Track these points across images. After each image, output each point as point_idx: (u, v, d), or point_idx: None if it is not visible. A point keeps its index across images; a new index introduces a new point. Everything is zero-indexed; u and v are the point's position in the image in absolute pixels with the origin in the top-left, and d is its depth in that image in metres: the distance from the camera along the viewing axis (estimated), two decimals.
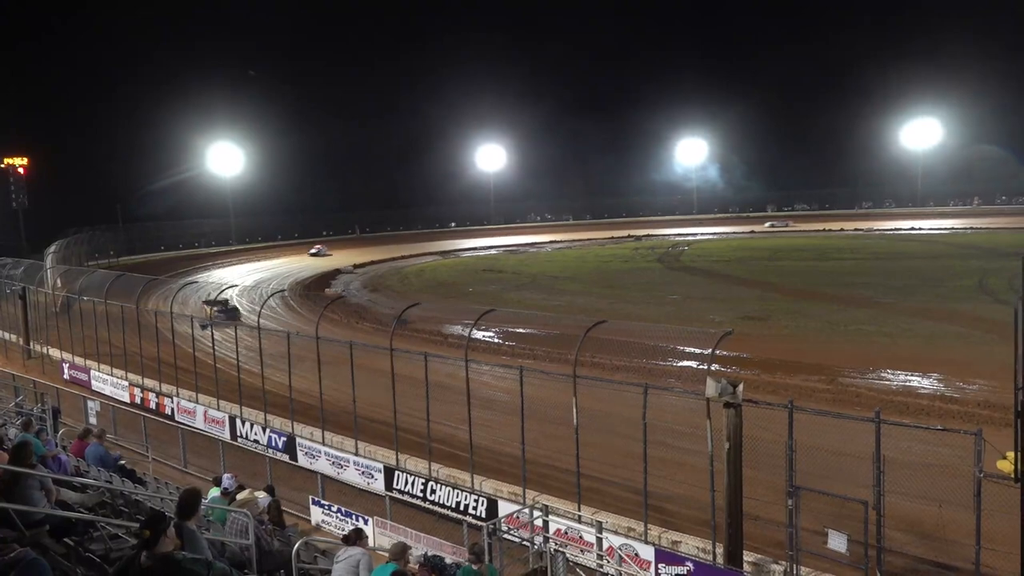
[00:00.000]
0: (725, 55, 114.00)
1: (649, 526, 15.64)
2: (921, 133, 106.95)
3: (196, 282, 49.67)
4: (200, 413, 26.19)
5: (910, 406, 23.94)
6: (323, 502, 18.12)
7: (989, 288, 44.87)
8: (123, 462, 16.02)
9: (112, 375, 30.86)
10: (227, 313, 41.33)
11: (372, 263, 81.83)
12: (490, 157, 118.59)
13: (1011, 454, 10.30)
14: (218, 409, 25.96)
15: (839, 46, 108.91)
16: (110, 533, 9.22)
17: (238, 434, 24.45)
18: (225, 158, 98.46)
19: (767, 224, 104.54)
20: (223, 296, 44.72)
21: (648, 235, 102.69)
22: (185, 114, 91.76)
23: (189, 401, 27.08)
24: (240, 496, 12.39)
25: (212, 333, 29.54)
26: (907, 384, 27.06)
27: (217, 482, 14.07)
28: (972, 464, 11.56)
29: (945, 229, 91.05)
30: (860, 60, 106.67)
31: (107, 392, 29.96)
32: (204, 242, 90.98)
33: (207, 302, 41.90)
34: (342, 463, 21.03)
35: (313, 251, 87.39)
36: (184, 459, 22.47)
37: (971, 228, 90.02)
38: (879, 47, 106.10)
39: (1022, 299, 9.89)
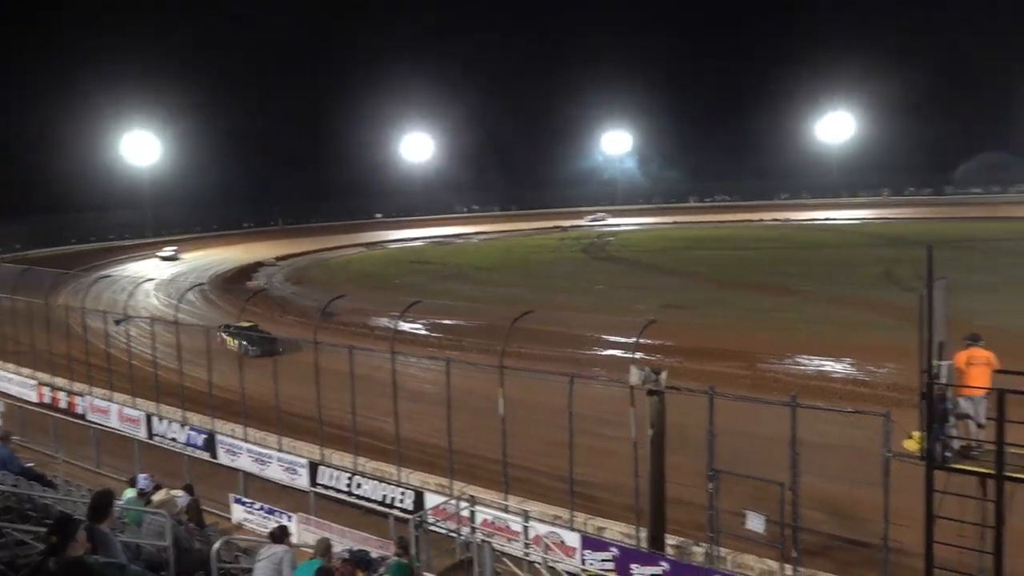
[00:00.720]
0: (649, 49, 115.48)
1: (575, 513, 15.82)
2: (835, 127, 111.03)
3: (110, 276, 47.86)
4: (114, 412, 25.27)
5: (824, 390, 24.81)
6: (245, 500, 17.73)
7: (897, 276, 46.81)
8: (31, 465, 15.32)
9: (19, 374, 29.49)
10: (261, 346, 31.71)
11: (296, 255, 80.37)
12: (416, 147, 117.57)
13: (917, 434, 10.76)
14: (134, 407, 25.09)
15: (758, 42, 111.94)
16: (16, 539, 8.81)
17: (155, 433, 23.68)
18: (140, 147, 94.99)
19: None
20: (247, 322, 34.54)
21: (574, 226, 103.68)
22: (96, 101, 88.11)
23: (103, 400, 26.08)
24: (157, 496, 12.01)
25: (127, 330, 28.57)
26: (822, 369, 28.05)
27: (132, 482, 13.61)
28: (881, 444, 12.05)
29: (857, 219, 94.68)
30: (778, 56, 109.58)
31: (13, 392, 28.61)
32: (118, 235, 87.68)
33: (227, 330, 33.45)
34: (265, 459, 20.60)
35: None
36: (97, 459, 21.66)
37: (881, 218, 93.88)
38: (796, 43, 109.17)
39: (927, 287, 10.32)
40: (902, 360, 25.44)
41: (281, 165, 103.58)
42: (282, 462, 20.24)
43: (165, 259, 75.93)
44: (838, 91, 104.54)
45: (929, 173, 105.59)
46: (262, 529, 16.02)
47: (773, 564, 13.47)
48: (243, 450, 21.20)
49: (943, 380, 10.67)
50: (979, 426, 11.06)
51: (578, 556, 14.48)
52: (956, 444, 10.87)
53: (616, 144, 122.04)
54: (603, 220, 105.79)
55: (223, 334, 33.05)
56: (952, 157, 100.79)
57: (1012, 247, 60.36)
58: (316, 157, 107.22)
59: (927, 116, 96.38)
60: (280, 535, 10.66)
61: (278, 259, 76.65)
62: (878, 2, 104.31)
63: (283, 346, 30.56)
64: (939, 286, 10.59)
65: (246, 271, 68.42)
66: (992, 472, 10.20)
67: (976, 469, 10.57)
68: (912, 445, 10.91)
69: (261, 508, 17.24)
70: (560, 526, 15.29)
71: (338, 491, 18.76)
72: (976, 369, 11.21)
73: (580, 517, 15.89)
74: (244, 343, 32.03)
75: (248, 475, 19.40)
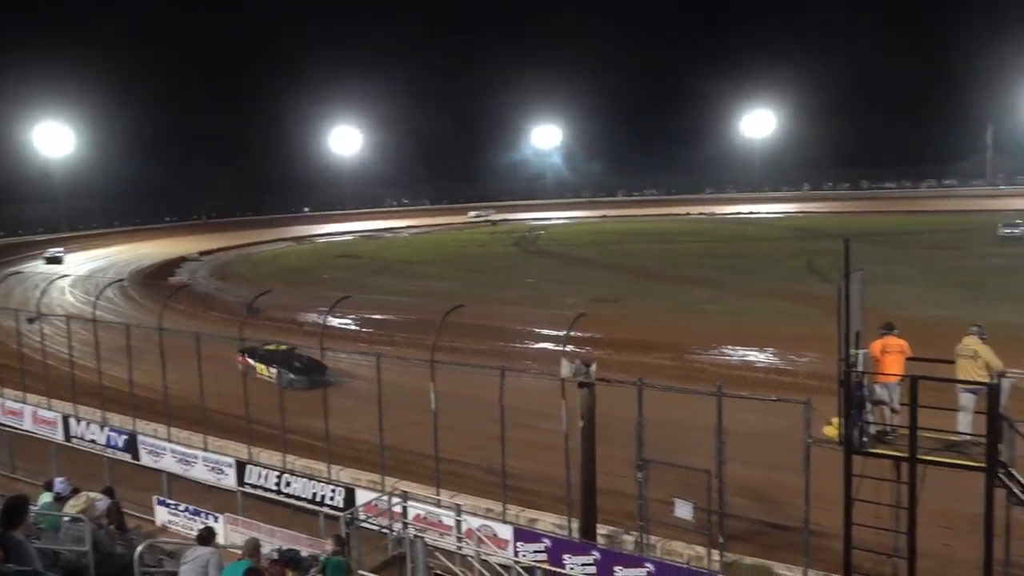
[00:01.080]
0: (579, 44, 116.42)
1: (508, 506, 15.89)
2: (757, 123, 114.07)
3: (21, 272, 45.87)
4: (28, 414, 24.24)
5: (749, 379, 25.48)
6: (169, 501, 17.23)
7: (816, 268, 48.37)
8: None
9: None
10: (307, 374, 26.02)
11: (220, 250, 78.43)
12: (345, 140, 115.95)
13: (835, 420, 11.15)
14: (49, 409, 24.11)
15: (685, 40, 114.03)
16: None
17: (72, 434, 22.81)
18: (53, 138, 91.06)
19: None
20: (279, 344, 28.04)
21: (505, 219, 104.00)
22: (3, 89, 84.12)
23: (15, 401, 25.00)
24: (75, 500, 11.55)
25: (41, 328, 27.41)
26: (746, 359, 28.81)
27: (48, 486, 13.07)
28: (802, 431, 12.46)
29: (779, 213, 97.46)
30: (704, 54, 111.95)
31: None
32: (30, 229, 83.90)
33: (254, 355, 27.10)
34: (189, 460, 20.06)
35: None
36: (11, 464, 20.72)
37: (802, 212, 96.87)
38: (721, 42, 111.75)
39: (844, 279, 10.70)
40: (822, 349, 26.31)
41: (205, 158, 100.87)
42: (208, 462, 19.74)
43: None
44: (761, 89, 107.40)
45: (847, 168, 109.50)
46: (187, 531, 15.62)
47: (701, 550, 13.78)
48: (167, 450, 20.60)
49: (859, 368, 11.08)
50: (893, 411, 11.52)
51: (511, 548, 14.54)
52: (872, 429, 11.31)
53: (546, 138, 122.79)
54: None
55: (250, 360, 27.02)
56: (868, 154, 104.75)
57: (923, 240, 63.08)
58: (242, 150, 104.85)
59: (845, 113, 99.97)
60: (206, 537, 10.42)
61: (202, 254, 74.66)
62: (800, 2, 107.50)
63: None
64: (856, 278, 10.98)
65: (168, 267, 66.47)
66: (905, 455, 10.66)
67: (891, 453, 11.01)
68: (831, 431, 11.31)
69: (186, 510, 16.79)
70: (493, 519, 15.33)
71: (267, 490, 18.41)
72: (890, 357, 11.67)
73: (513, 510, 15.97)
74: (285, 372, 26.19)
75: (172, 476, 18.84)
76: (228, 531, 15.39)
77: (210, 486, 19.29)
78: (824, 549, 13.02)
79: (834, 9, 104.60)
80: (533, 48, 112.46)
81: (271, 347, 27.80)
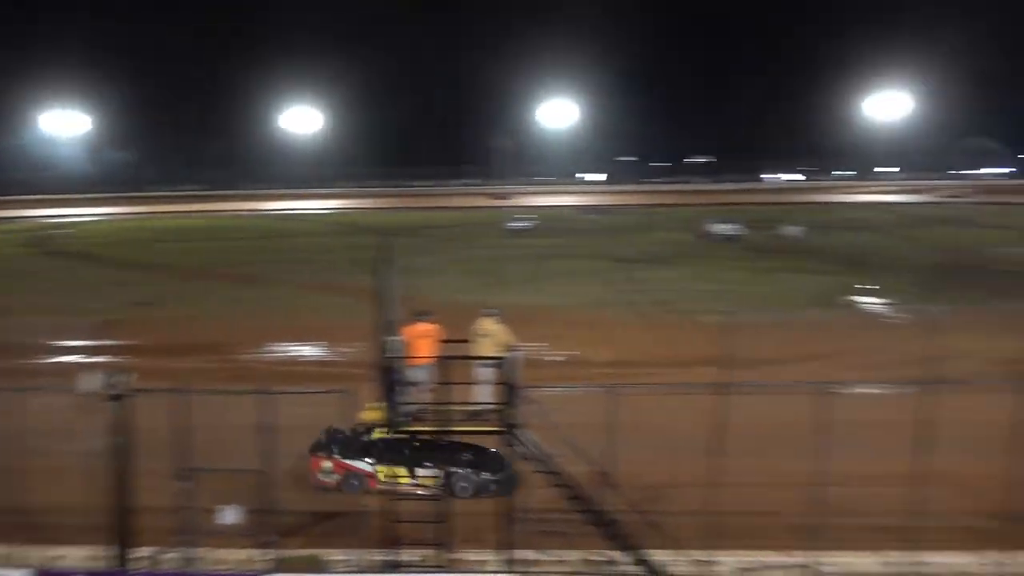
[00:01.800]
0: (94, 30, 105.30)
1: (24, 547, 13.76)
2: (301, 119, 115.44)
3: None
4: None
5: (297, 373, 25.66)
6: None
7: (362, 262, 50.50)
8: None
9: None
10: (493, 468, 15.72)
11: None
12: None
13: (373, 404, 11.87)
14: None
15: (223, 31, 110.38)
16: None
17: None
18: None
19: None
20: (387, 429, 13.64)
21: (18, 217, 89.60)
22: None
23: None
24: None
25: None
26: (296, 354, 28.99)
27: None
28: (348, 417, 12.96)
29: (325, 209, 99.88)
30: (236, 49, 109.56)
31: None
32: None
33: (346, 450, 16.49)
34: None
35: None
36: None
37: (346, 208, 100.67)
38: (256, 39, 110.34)
39: (382, 271, 11.42)
40: (367, 338, 27.62)
41: None
42: None
43: None
44: (305, 85, 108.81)
45: (390, 166, 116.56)
46: None
47: (251, 552, 13.50)
48: None
49: (394, 354, 11.91)
50: (431, 391, 12.61)
51: None
52: (410, 408, 12.23)
53: (63, 125, 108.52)
54: None
55: (353, 463, 16.34)
56: (407, 152, 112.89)
57: (449, 233, 69.98)
58: None
59: (388, 110, 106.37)
60: None
61: None
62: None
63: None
64: (391, 270, 11.76)
65: None
66: (438, 428, 11.77)
67: (427, 428, 12.06)
68: (370, 415, 12.00)
69: None
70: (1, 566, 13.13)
71: None
72: (422, 341, 12.76)
73: (30, 551, 13.85)
74: (463, 473, 15.71)
75: None
76: None
77: None
78: (374, 528, 13.66)
79: (379, 9, 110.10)
80: (41, 25, 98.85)
81: (376, 435, 16.03)
